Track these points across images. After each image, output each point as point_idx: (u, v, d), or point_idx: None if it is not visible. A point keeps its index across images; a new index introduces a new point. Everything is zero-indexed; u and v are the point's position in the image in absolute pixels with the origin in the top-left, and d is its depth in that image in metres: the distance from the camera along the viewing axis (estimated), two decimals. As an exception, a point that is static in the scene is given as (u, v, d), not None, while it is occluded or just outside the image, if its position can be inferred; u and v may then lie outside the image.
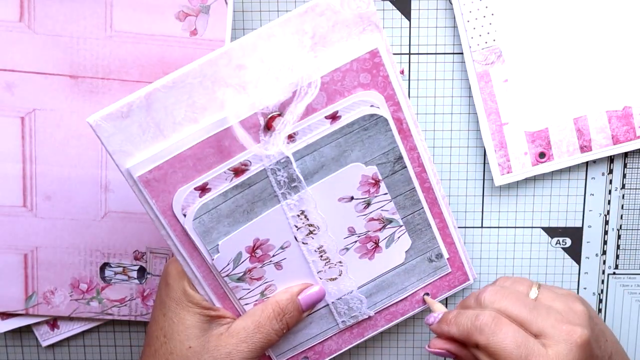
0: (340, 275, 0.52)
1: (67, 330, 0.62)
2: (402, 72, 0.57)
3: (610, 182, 0.59)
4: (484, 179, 0.59)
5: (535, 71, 0.55)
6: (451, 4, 0.55)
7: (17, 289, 0.59)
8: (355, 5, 0.45)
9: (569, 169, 0.58)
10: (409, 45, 0.56)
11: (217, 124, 0.44)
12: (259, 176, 0.47)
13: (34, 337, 0.63)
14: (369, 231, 0.51)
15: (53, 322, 0.62)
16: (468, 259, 0.57)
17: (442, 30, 0.56)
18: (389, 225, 0.51)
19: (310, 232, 0.50)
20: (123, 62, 0.53)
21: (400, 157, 0.49)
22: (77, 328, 0.62)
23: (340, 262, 0.52)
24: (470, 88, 0.56)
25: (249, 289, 0.51)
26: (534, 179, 0.59)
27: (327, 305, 0.53)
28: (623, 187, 0.59)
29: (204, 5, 0.52)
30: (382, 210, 0.50)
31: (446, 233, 0.54)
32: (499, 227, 0.60)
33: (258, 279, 0.50)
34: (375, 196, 0.50)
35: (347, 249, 0.51)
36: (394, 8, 0.56)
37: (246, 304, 0.51)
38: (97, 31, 0.52)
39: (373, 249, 0.52)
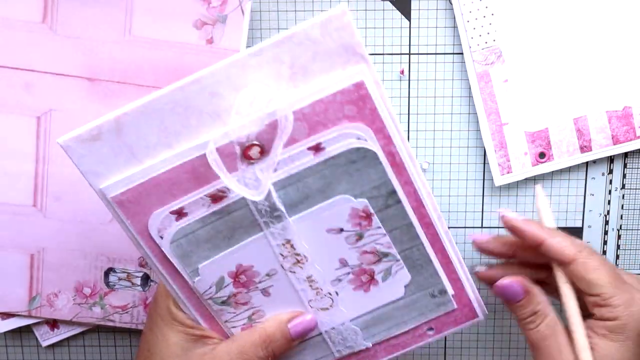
0: (331, 306, 0.50)
1: (67, 330, 0.62)
2: (402, 72, 0.57)
3: (610, 182, 0.59)
4: (484, 179, 0.59)
5: (535, 71, 0.55)
6: (451, 4, 0.55)
7: (22, 289, 0.59)
8: (337, 36, 0.42)
9: (569, 169, 0.58)
10: (409, 45, 0.57)
11: (192, 150, 0.43)
12: (239, 204, 0.45)
13: (34, 337, 0.63)
14: (362, 264, 0.48)
15: (53, 322, 0.62)
16: (477, 295, 0.52)
17: (442, 30, 0.56)
18: (384, 259, 0.49)
19: (298, 262, 0.48)
20: (139, 67, 0.54)
21: (394, 192, 0.46)
22: (77, 328, 0.62)
23: (330, 293, 0.49)
24: (470, 88, 0.57)
25: (234, 313, 0.49)
26: (534, 179, 0.58)
27: (321, 333, 0.51)
28: (623, 187, 0.59)
29: (222, 14, 0.53)
30: (376, 243, 0.48)
31: (450, 269, 0.50)
32: (499, 227, 0.59)
33: (244, 304, 0.49)
34: (368, 229, 0.47)
35: (340, 280, 0.49)
36: (394, 8, 0.56)
37: (233, 327, 0.49)
38: (116, 35, 0.53)
39: (368, 281, 0.49)
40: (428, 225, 0.48)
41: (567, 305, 0.48)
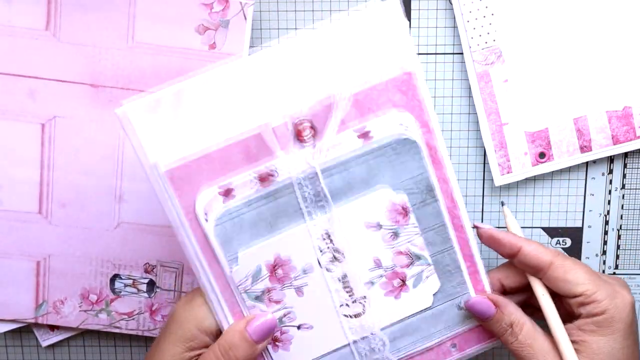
0: (363, 312, 0.49)
1: (67, 330, 0.62)
2: None
3: (610, 182, 0.59)
4: (484, 179, 0.59)
5: (535, 71, 0.55)
6: (451, 4, 0.55)
7: (28, 296, 0.59)
8: (388, 28, 0.45)
9: (569, 169, 0.58)
10: (409, 45, 0.57)
11: (248, 127, 0.44)
12: (285, 189, 0.45)
13: (34, 337, 0.63)
14: (396, 266, 0.48)
15: None
16: None
17: (442, 30, 0.56)
18: (417, 262, 0.49)
19: (335, 258, 0.47)
20: (142, 72, 0.54)
21: (432, 188, 0.47)
22: (77, 328, 0.62)
23: (364, 297, 0.49)
24: (470, 88, 0.57)
25: (266, 312, 0.48)
26: (534, 179, 0.58)
27: (348, 345, 0.50)
28: (623, 187, 0.59)
29: (224, 19, 0.53)
30: (410, 244, 0.48)
31: (477, 279, 0.50)
32: (499, 227, 0.59)
33: (277, 302, 0.48)
34: (404, 227, 0.47)
35: (372, 283, 0.49)
36: (394, 8, 0.57)
37: None
38: (119, 42, 0.54)
39: (400, 287, 0.49)
40: (460, 229, 0.49)
41: (548, 313, 0.49)
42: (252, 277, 0.47)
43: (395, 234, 0.47)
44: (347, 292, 0.48)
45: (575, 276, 0.47)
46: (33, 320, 0.59)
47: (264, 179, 0.45)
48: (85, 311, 0.59)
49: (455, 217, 0.48)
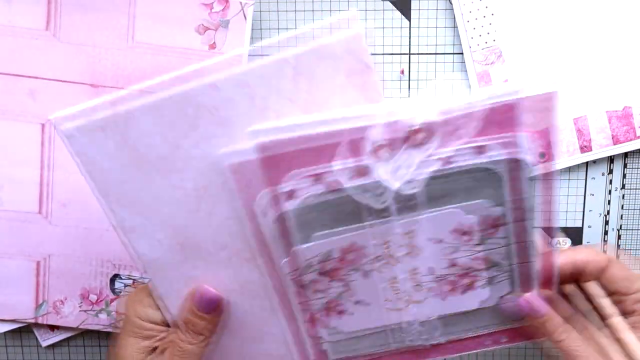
0: (424, 300, 0.48)
1: (67, 330, 0.62)
2: (402, 72, 0.57)
3: (610, 182, 0.59)
4: (484, 178, 0.58)
5: (535, 71, 0.55)
6: (451, 4, 0.55)
7: (28, 297, 0.59)
8: None
9: (569, 169, 0.58)
10: (409, 45, 0.57)
11: (358, 119, 0.42)
12: (379, 185, 0.43)
13: (34, 337, 0.63)
14: (470, 268, 0.47)
15: None
16: None
17: (442, 30, 0.56)
18: (493, 268, 0.48)
19: (410, 253, 0.46)
20: (143, 72, 0.54)
21: (533, 209, 0.45)
22: (77, 328, 0.62)
23: (429, 289, 0.48)
24: (470, 88, 0.57)
25: (328, 286, 0.47)
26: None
27: (401, 323, 0.50)
28: (623, 187, 0.59)
29: (224, 19, 0.53)
30: (493, 252, 0.47)
31: (548, 287, 0.50)
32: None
33: (340, 280, 0.47)
34: (492, 237, 0.46)
35: (443, 278, 0.48)
36: (394, 8, 0.56)
37: (321, 298, 0.48)
38: (119, 41, 0.54)
39: (468, 285, 0.48)
40: (546, 247, 0.47)
41: (610, 312, 0.48)
42: (322, 255, 0.46)
43: (481, 242, 0.46)
44: (413, 282, 0.48)
45: (633, 272, 0.47)
46: (33, 320, 0.59)
47: (361, 173, 0.43)
48: (85, 311, 0.59)
49: (547, 235, 0.47)
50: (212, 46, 0.54)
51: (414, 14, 0.56)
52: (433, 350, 0.52)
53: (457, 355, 0.52)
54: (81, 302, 0.58)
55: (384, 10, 0.57)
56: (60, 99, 0.55)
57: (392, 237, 0.45)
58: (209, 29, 0.53)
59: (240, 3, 0.53)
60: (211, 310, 0.48)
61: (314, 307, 0.48)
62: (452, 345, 0.51)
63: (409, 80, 0.57)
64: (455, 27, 0.56)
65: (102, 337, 0.63)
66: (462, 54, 0.56)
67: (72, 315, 0.59)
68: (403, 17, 0.57)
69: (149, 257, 0.46)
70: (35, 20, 0.53)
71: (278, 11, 0.57)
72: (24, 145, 0.55)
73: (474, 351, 0.52)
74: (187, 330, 0.48)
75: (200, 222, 0.45)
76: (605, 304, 0.49)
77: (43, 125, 0.55)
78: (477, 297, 0.49)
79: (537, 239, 0.47)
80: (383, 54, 0.57)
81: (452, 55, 0.57)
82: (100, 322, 0.59)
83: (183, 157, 0.43)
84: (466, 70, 0.56)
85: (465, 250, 0.46)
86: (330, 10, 0.57)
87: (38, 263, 0.58)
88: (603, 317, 0.49)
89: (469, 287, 0.48)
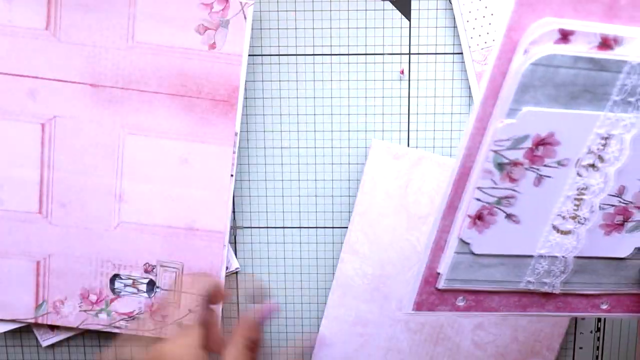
0: (571, 232, 0.45)
1: (67, 330, 0.61)
2: (402, 72, 0.57)
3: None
4: (484, 178, 0.58)
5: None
6: (451, 4, 0.55)
7: (28, 297, 0.59)
8: None
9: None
10: (409, 45, 0.57)
11: None
12: (614, 66, 0.39)
13: (34, 337, 0.63)
14: (632, 203, 0.44)
15: None
16: None
17: (442, 30, 0.56)
18: None
19: (593, 165, 0.42)
20: (143, 72, 0.54)
21: None
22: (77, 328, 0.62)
23: (585, 219, 0.44)
24: (470, 88, 0.56)
25: (495, 185, 0.43)
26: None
27: (532, 256, 0.46)
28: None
29: (224, 19, 0.53)
30: None
31: None
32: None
33: (512, 180, 0.43)
34: None
35: (602, 209, 0.44)
36: (394, 8, 0.56)
37: (478, 200, 0.44)
38: (119, 41, 0.53)
39: (618, 225, 0.45)
40: None
41: None
42: (514, 141, 0.41)
43: None
44: (574, 205, 0.44)
45: None
46: (33, 320, 0.59)
47: (605, 43, 0.39)
48: (85, 311, 0.58)
49: None
50: (212, 46, 0.53)
51: (414, 13, 0.56)
52: (536, 304, 0.49)
53: (558, 314, 0.49)
54: (81, 302, 0.58)
55: (384, 10, 0.56)
56: (60, 99, 0.54)
57: (619, 132, 0.41)
58: (209, 28, 0.53)
59: (240, 3, 0.53)
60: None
61: (489, 200, 0.44)
62: (556, 301, 0.49)
63: (409, 80, 0.57)
64: (455, 27, 0.56)
65: (102, 337, 0.63)
66: (462, 54, 0.56)
67: (72, 315, 0.58)
68: (403, 17, 0.56)
69: None
70: (36, 19, 0.53)
71: (278, 11, 0.57)
72: (24, 145, 0.55)
73: (571, 314, 0.50)
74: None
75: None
76: None
77: (43, 125, 0.55)
78: (635, 243, 0.46)
79: None
80: (383, 54, 0.57)
81: (452, 55, 0.57)
82: (100, 322, 0.59)
83: None
84: (466, 70, 0.56)
85: None
86: (330, 10, 0.56)
87: (38, 263, 0.57)
88: None
89: (637, 227, 0.45)
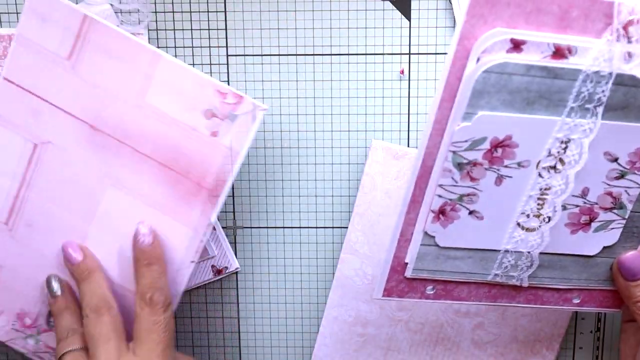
0: (537, 229, 0.46)
1: None
2: (402, 72, 0.56)
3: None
4: (484, 178, 0.58)
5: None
6: (451, 4, 0.54)
7: None
8: None
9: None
10: (409, 45, 0.56)
11: None
12: (569, 74, 0.40)
13: None
14: (596, 204, 0.45)
15: None
16: None
17: (442, 30, 0.56)
18: (616, 210, 0.46)
19: (554, 167, 0.43)
20: (142, 133, 0.51)
21: None
22: None
23: (549, 217, 0.45)
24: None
25: (455, 183, 0.44)
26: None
27: (499, 251, 0.48)
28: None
29: (233, 113, 0.50)
30: (626, 190, 0.45)
31: None
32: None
33: (472, 179, 0.44)
34: (635, 174, 0.44)
35: (565, 208, 0.45)
36: (394, 8, 0.55)
37: (439, 196, 0.45)
38: (130, 96, 0.51)
39: (583, 224, 0.46)
40: None
41: None
42: (471, 143, 0.43)
43: (621, 176, 0.44)
44: (537, 204, 0.45)
45: None
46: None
47: (558, 53, 0.40)
48: (16, 330, 0.57)
49: None
50: (214, 134, 0.50)
51: (414, 13, 0.55)
52: (507, 295, 0.50)
53: (528, 306, 0.51)
54: (15, 321, 0.57)
55: (384, 10, 0.55)
56: (59, 128, 0.52)
57: (577, 136, 0.42)
58: (216, 116, 0.50)
59: (254, 104, 0.50)
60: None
61: (450, 197, 0.45)
62: (526, 293, 0.50)
63: (409, 80, 0.57)
64: (455, 27, 0.55)
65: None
66: (461, 53, 0.56)
67: (2, 329, 0.57)
68: (403, 17, 0.55)
69: None
70: (61, 47, 0.50)
71: (278, 11, 0.55)
72: (12, 158, 0.53)
73: (543, 306, 0.51)
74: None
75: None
76: None
77: (35, 146, 0.52)
78: (603, 242, 0.47)
79: None
80: (383, 54, 0.56)
81: (452, 55, 0.56)
82: (26, 346, 0.58)
83: None
84: (466, 70, 0.55)
85: (629, 180, 0.44)
86: (330, 10, 0.55)
87: (-12, 269, 0.57)
88: None
89: (604, 227, 0.46)
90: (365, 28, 0.56)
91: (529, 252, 0.47)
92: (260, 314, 0.62)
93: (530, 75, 0.40)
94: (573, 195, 0.45)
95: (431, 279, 0.49)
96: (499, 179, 0.44)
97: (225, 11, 0.56)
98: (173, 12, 0.56)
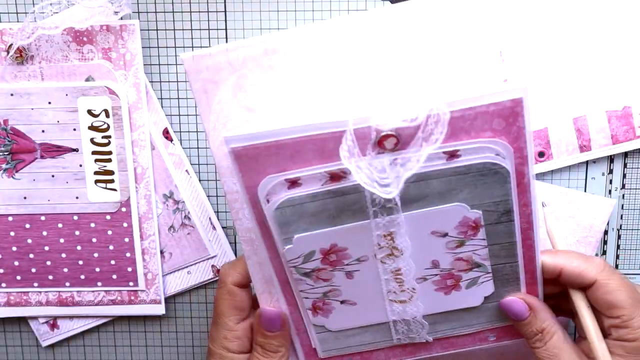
0: (410, 299, 0.48)
1: (66, 330, 0.61)
2: None
3: (610, 182, 0.58)
4: (484, 178, 0.57)
5: (535, 71, 0.54)
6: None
7: None
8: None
9: (569, 169, 0.57)
10: (409, 45, 0.55)
11: (328, 125, 0.40)
12: (355, 188, 0.42)
13: (34, 337, 0.62)
14: (453, 269, 0.47)
15: (53, 322, 0.61)
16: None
17: (442, 30, 0.55)
18: (475, 269, 0.47)
19: (392, 254, 0.45)
20: None
21: (510, 211, 0.44)
22: (77, 328, 0.62)
23: (414, 288, 0.47)
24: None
25: (312, 286, 0.47)
26: (534, 177, 0.56)
27: (387, 322, 0.49)
28: (623, 187, 0.58)
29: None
30: (474, 253, 0.46)
31: (533, 289, 0.49)
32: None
33: (325, 280, 0.47)
34: (472, 239, 0.45)
35: (425, 279, 0.47)
36: (394, 8, 0.55)
37: (305, 298, 0.48)
38: None
39: (452, 285, 0.48)
40: (529, 248, 0.47)
41: (589, 330, 0.48)
42: (304, 257, 0.45)
43: (461, 244, 0.45)
44: (397, 282, 0.47)
45: (616, 299, 0.45)
46: None
47: (335, 177, 0.42)
48: None
49: (527, 238, 0.46)
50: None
51: (414, 14, 0.55)
52: (422, 348, 0.52)
53: (447, 353, 0.52)
54: None
55: (384, 10, 0.55)
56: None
57: (396, 229, 0.44)
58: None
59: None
60: (278, 328, 0.49)
61: (315, 296, 0.48)
62: (440, 342, 0.51)
63: (409, 80, 0.56)
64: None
65: (102, 337, 0.62)
66: (461, 54, 0.55)
67: None
68: (403, 17, 0.55)
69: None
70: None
71: (278, 11, 0.55)
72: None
73: (461, 350, 0.52)
74: (264, 353, 0.49)
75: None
76: (586, 317, 0.47)
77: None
78: (481, 293, 0.48)
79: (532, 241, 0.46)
80: (383, 54, 0.56)
81: (452, 55, 0.55)
82: None
83: None
84: (465, 71, 0.55)
85: (471, 245, 0.46)
86: (330, 10, 0.55)
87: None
88: (583, 329, 0.48)
89: (474, 282, 0.47)
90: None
91: (414, 318, 0.49)
92: (260, 314, 0.62)
93: (320, 199, 0.42)
94: (426, 269, 0.46)
95: (345, 354, 0.52)
96: (349, 275, 0.46)
97: (225, 11, 0.56)
98: (173, 12, 0.56)
